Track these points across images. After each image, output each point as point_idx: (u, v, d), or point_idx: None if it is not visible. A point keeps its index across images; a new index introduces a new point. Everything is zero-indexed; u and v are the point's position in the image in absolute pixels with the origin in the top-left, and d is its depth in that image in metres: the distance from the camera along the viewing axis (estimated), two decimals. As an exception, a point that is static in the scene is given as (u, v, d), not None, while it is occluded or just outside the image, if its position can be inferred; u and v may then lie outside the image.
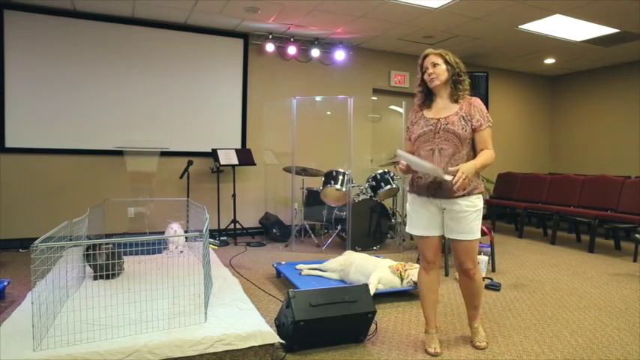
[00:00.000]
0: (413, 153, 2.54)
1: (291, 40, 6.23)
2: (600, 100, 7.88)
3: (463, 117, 2.42)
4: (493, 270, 4.42)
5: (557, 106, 8.64)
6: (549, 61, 7.44)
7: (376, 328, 2.86)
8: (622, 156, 7.47)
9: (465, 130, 2.40)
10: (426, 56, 2.49)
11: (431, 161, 2.42)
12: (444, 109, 2.49)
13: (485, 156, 2.39)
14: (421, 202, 2.54)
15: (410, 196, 2.61)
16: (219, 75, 6.03)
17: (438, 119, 2.46)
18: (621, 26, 5.55)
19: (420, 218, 2.56)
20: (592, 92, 8.03)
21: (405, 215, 6.36)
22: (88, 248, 3.19)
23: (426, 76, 2.48)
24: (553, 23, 5.48)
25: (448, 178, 2.29)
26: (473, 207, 2.42)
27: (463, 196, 2.41)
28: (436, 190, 2.45)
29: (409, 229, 2.62)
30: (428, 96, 2.55)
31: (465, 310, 2.73)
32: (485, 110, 2.47)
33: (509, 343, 2.70)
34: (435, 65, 2.45)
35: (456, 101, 2.47)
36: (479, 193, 2.46)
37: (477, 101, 2.48)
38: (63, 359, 1.95)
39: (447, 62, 2.45)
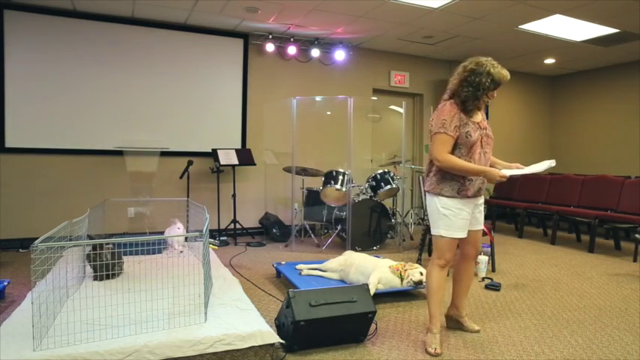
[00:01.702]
0: (452, 152, 2.56)
1: (291, 40, 6.23)
2: (600, 100, 7.88)
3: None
4: (493, 270, 4.42)
5: (557, 106, 8.64)
6: (549, 61, 7.44)
7: (376, 328, 2.86)
8: (622, 156, 7.47)
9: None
10: (505, 76, 2.54)
11: (481, 164, 2.59)
12: (475, 114, 2.62)
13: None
14: (465, 204, 2.61)
15: (452, 201, 2.58)
16: (219, 75, 6.03)
17: (478, 124, 2.60)
18: (621, 26, 5.55)
19: (461, 221, 2.61)
20: (592, 92, 8.03)
21: (406, 215, 6.42)
22: (93, 248, 3.19)
23: (492, 95, 2.58)
24: (553, 23, 5.48)
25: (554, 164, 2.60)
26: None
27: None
28: (479, 190, 2.65)
29: (448, 232, 2.60)
30: (476, 103, 2.58)
31: (453, 302, 2.92)
32: None
33: (509, 343, 2.70)
34: None
35: (480, 109, 2.67)
36: None
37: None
38: (63, 359, 1.95)
39: None
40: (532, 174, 2.62)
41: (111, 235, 4.60)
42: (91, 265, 3.21)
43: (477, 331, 2.84)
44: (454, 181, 2.58)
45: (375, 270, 3.46)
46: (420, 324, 3.00)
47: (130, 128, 5.59)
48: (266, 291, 3.67)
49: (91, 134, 5.40)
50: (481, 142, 2.58)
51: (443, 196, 2.59)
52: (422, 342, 2.68)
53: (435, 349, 2.54)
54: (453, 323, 2.93)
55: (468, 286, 2.89)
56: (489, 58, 2.55)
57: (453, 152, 2.56)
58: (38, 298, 2.04)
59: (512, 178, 2.63)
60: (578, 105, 8.28)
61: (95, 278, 3.16)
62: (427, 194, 2.71)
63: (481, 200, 2.73)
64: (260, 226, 6.21)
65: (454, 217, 2.58)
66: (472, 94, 2.52)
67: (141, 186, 5.67)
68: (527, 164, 2.70)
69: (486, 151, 2.61)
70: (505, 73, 2.54)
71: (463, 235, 2.63)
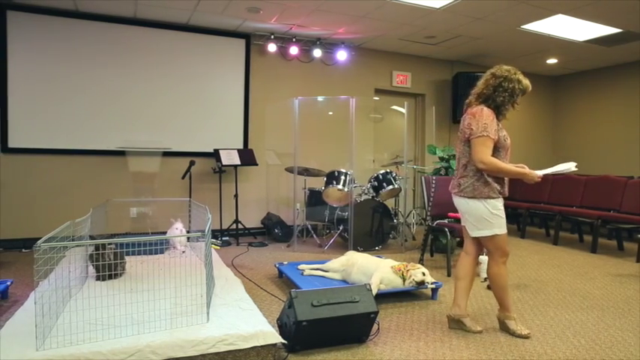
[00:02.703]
0: (493, 154, 2.68)
1: (293, 40, 6.23)
2: (603, 101, 7.86)
3: None
4: (495, 270, 4.40)
5: (560, 106, 8.62)
6: (552, 61, 7.43)
7: (378, 329, 2.86)
8: (625, 156, 7.45)
9: None
10: (529, 85, 2.77)
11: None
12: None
13: None
14: (502, 203, 2.77)
15: (499, 202, 2.73)
16: (221, 75, 6.04)
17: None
18: (624, 26, 5.54)
19: (504, 218, 2.77)
20: (595, 92, 8.01)
21: (408, 215, 6.42)
22: (95, 249, 3.19)
23: (517, 102, 2.75)
24: (556, 23, 5.47)
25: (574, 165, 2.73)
26: None
27: None
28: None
29: (502, 229, 2.74)
30: (503, 108, 2.73)
31: (457, 302, 2.94)
32: None
33: (511, 343, 2.70)
34: None
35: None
36: None
37: None
38: (66, 359, 1.95)
39: None
40: (558, 173, 2.76)
41: (113, 235, 4.62)
42: (93, 265, 3.22)
43: (480, 332, 2.85)
44: (496, 183, 2.70)
45: (377, 270, 3.46)
46: (423, 324, 3.00)
47: (132, 128, 5.60)
48: (268, 291, 3.67)
49: (93, 134, 5.42)
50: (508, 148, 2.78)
51: (491, 198, 2.70)
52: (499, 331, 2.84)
53: (522, 331, 2.78)
54: (455, 324, 2.92)
55: (472, 286, 2.97)
56: (510, 67, 2.76)
57: (492, 155, 2.66)
58: (41, 298, 2.05)
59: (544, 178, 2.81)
60: (580, 105, 8.26)
61: (98, 278, 3.16)
62: (469, 199, 2.74)
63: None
64: (262, 226, 6.21)
65: (503, 215, 2.74)
66: (507, 100, 2.70)
67: (143, 186, 5.68)
68: (529, 164, 2.75)
69: (509, 154, 2.79)
70: (529, 84, 2.78)
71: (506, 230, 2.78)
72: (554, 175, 2.80)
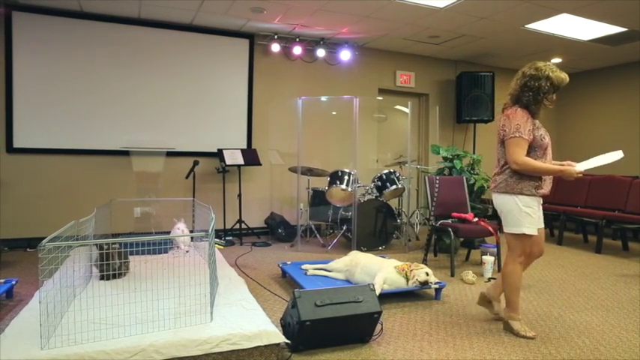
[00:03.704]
0: (528, 154, 2.68)
1: (297, 40, 6.23)
2: (607, 100, 7.83)
3: None
4: (499, 270, 4.39)
5: (564, 105, 8.58)
6: (556, 60, 7.39)
7: (382, 329, 2.85)
8: (630, 156, 7.41)
9: None
10: (564, 79, 2.68)
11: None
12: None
13: None
14: (538, 202, 2.78)
15: (532, 200, 2.71)
16: (224, 75, 6.05)
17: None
18: (629, 25, 5.51)
19: (538, 218, 2.78)
20: (599, 92, 7.97)
21: (411, 215, 6.40)
22: (100, 254, 3.20)
23: (552, 98, 2.70)
24: (560, 22, 5.45)
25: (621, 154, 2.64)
26: None
27: None
28: (550, 188, 2.79)
29: (531, 229, 2.72)
30: (531, 107, 2.70)
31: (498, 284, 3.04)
32: None
33: (515, 344, 2.69)
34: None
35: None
36: None
37: None
38: (70, 358, 1.96)
39: None
40: (602, 165, 2.64)
41: (117, 235, 4.63)
42: (97, 265, 3.23)
43: (501, 319, 2.95)
44: (532, 180, 2.70)
45: (381, 270, 3.46)
46: (426, 324, 2.99)
47: (136, 128, 5.62)
48: (271, 291, 3.67)
49: (97, 134, 5.44)
50: (548, 146, 2.73)
51: (524, 194, 2.70)
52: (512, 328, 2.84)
53: (526, 332, 2.78)
54: (484, 302, 3.10)
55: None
56: (548, 63, 2.69)
57: (528, 154, 2.67)
58: (46, 297, 2.06)
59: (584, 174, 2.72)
60: (585, 105, 8.23)
61: (102, 278, 3.17)
62: (501, 194, 2.77)
63: (541, 200, 2.81)
64: (265, 226, 6.22)
65: (534, 215, 2.72)
66: (533, 99, 2.67)
67: (147, 186, 5.69)
68: None
69: (549, 152, 2.74)
70: (564, 77, 2.67)
71: (537, 231, 2.76)
72: (596, 167, 2.66)
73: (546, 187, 2.75)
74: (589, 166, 2.63)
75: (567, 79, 2.68)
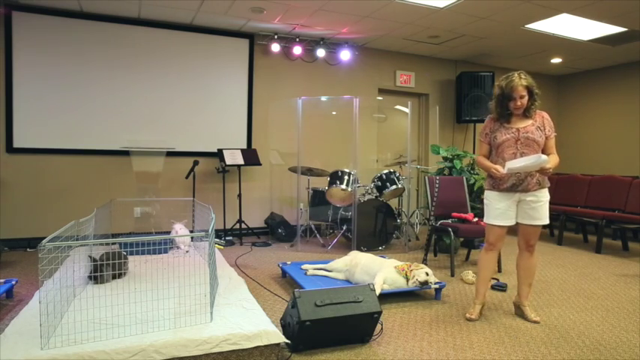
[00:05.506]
0: (487, 157, 3.09)
1: (297, 40, 6.23)
2: (607, 100, 7.83)
3: (539, 127, 2.94)
4: (499, 271, 4.40)
5: (564, 105, 8.59)
6: (556, 60, 7.40)
7: (382, 329, 2.85)
8: (630, 156, 7.41)
9: (542, 138, 2.93)
10: (514, 87, 2.85)
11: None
12: (519, 121, 2.98)
13: (556, 158, 2.93)
14: (502, 197, 3.01)
15: (490, 193, 3.06)
16: (224, 75, 6.05)
17: (518, 129, 2.94)
18: (629, 25, 5.51)
19: (496, 211, 3.02)
20: (599, 92, 7.97)
21: (411, 215, 6.40)
22: (94, 268, 3.13)
23: (512, 104, 2.91)
24: (560, 22, 5.45)
25: (546, 158, 2.74)
26: (545, 198, 2.98)
27: (537, 189, 2.94)
28: (515, 185, 2.95)
29: (487, 219, 3.08)
30: (504, 111, 2.97)
31: (517, 290, 3.20)
32: (552, 122, 3.00)
33: (515, 344, 2.69)
34: (522, 97, 2.87)
35: (529, 116, 2.96)
36: (547, 187, 3.00)
37: (547, 115, 3.01)
38: (70, 358, 1.96)
39: (530, 93, 2.89)
40: (527, 168, 2.82)
41: (117, 235, 4.63)
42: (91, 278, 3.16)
43: (537, 322, 3.03)
44: (490, 177, 3.05)
45: (381, 270, 3.46)
46: (426, 324, 2.99)
47: (136, 128, 5.62)
48: (272, 291, 3.67)
49: (97, 134, 5.43)
50: (517, 143, 2.92)
51: (487, 189, 3.10)
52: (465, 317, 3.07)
53: (472, 315, 3.07)
54: (518, 310, 3.20)
55: (528, 275, 3.12)
56: (519, 72, 2.91)
57: (490, 153, 3.08)
58: (46, 297, 2.06)
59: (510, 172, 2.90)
60: (584, 105, 8.23)
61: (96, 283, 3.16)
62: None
63: (531, 197, 2.95)
64: (265, 226, 6.22)
65: (490, 207, 3.05)
66: (495, 105, 3.00)
67: (147, 186, 5.69)
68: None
69: (524, 152, 2.90)
70: (514, 85, 2.85)
71: (500, 223, 3.00)
72: (522, 170, 2.85)
73: (505, 182, 2.96)
74: (514, 165, 2.82)
75: (518, 87, 2.83)
